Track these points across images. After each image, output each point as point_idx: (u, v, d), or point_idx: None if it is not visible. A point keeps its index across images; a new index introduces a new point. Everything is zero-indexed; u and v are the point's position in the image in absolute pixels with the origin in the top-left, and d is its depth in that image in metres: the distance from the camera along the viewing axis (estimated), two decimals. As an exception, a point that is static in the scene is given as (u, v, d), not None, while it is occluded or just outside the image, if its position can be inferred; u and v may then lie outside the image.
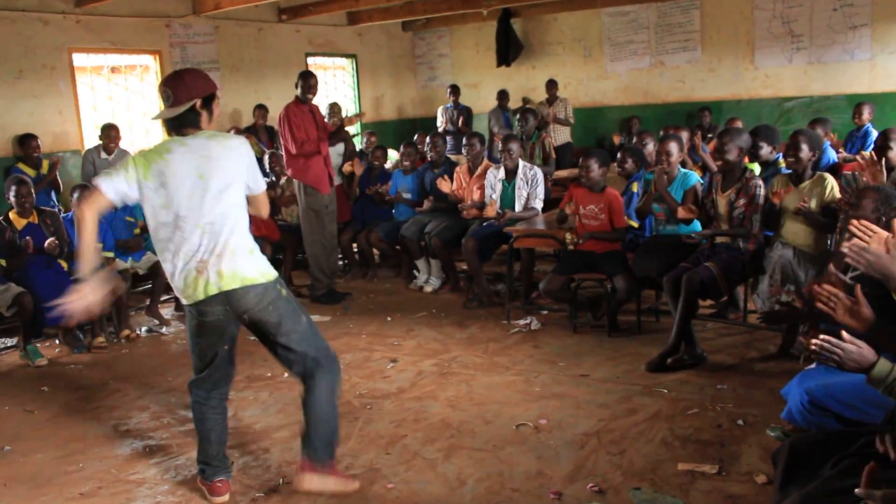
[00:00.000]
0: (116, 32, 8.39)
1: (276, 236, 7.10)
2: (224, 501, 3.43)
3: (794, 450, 2.54)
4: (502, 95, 10.73)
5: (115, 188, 3.08)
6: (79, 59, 8.21)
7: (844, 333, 2.23)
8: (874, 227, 2.57)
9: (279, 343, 3.30)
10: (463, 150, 7.12)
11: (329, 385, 3.37)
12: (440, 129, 10.55)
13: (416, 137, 8.46)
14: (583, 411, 4.13)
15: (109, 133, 7.54)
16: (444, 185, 6.75)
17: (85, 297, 3.02)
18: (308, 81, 6.48)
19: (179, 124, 3.20)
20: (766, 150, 5.32)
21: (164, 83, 3.22)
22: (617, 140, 10.12)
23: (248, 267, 3.18)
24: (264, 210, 3.46)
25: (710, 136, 8.78)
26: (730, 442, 3.68)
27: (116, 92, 8.78)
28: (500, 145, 6.45)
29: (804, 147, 4.63)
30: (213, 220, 3.12)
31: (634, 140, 10.18)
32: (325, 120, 6.96)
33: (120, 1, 8.02)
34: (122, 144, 7.75)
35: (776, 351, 4.74)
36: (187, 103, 3.15)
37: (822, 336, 2.23)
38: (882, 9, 9.28)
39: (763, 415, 3.91)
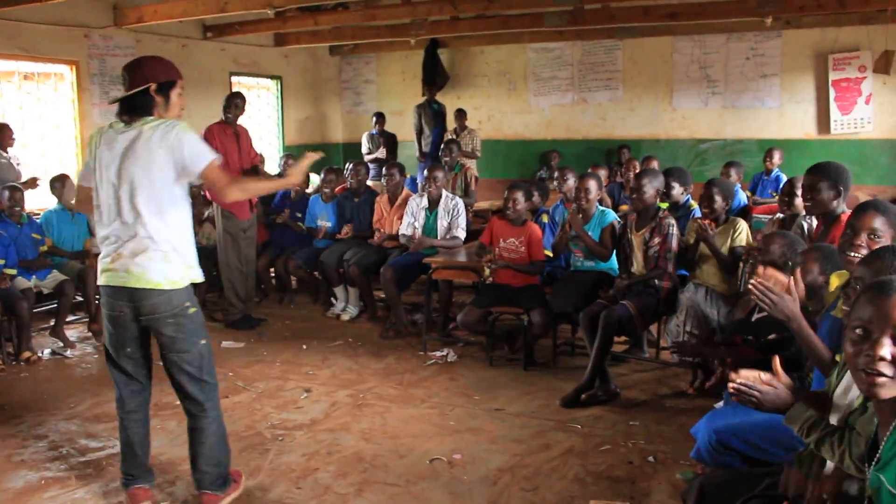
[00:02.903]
0: (30, 39, 8.07)
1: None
2: None
3: (703, 489, 2.59)
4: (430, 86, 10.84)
5: (84, 176, 3.29)
6: (-11, 65, 7.87)
7: (761, 375, 2.29)
8: (777, 274, 2.71)
9: (171, 360, 3.29)
10: (382, 181, 7.09)
11: (218, 414, 3.43)
12: (365, 155, 10.53)
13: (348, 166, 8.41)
14: (497, 446, 4.13)
15: (2, 133, 7.19)
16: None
17: None
18: (232, 101, 6.37)
19: (132, 109, 3.18)
20: (677, 190, 5.50)
21: (123, 68, 3.23)
22: (538, 174, 10.30)
23: (157, 271, 3.14)
24: (219, 184, 3.24)
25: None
26: (641, 478, 3.73)
27: (27, 100, 8.44)
28: (426, 173, 6.44)
29: (717, 199, 4.86)
30: (128, 217, 3.13)
31: (556, 174, 10.38)
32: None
33: (36, 7, 7.72)
34: (34, 155, 7.44)
35: (689, 389, 4.83)
36: (140, 86, 3.14)
37: (740, 379, 2.28)
38: (790, 60, 9.73)
39: (673, 451, 3.99)
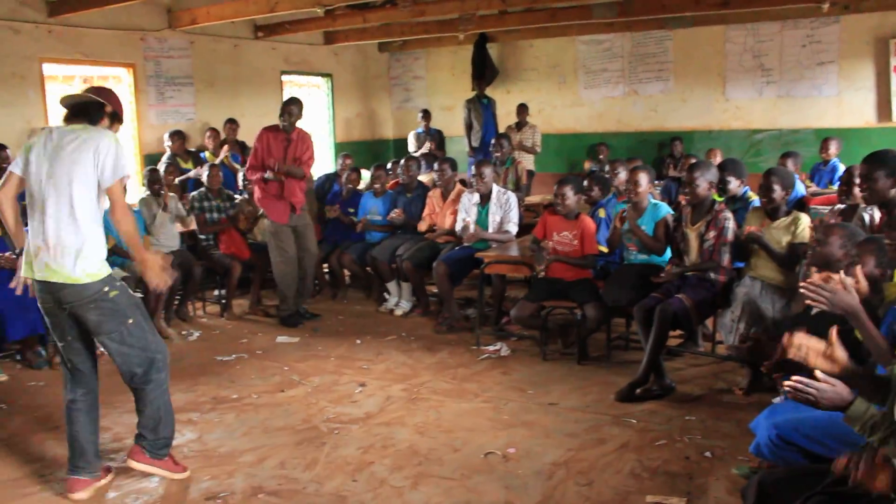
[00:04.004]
0: (90, 44, 8.29)
1: (245, 255, 7.05)
2: (81, 499, 3.58)
3: (762, 486, 2.55)
4: (480, 81, 10.83)
5: (16, 166, 3.49)
6: (50, 68, 8.10)
7: (818, 373, 2.24)
8: (823, 285, 2.62)
9: (103, 343, 3.50)
10: (434, 176, 7.11)
11: (156, 388, 3.62)
12: (412, 151, 10.59)
13: (394, 163, 8.45)
14: (551, 440, 4.12)
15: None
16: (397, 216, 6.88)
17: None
18: (285, 109, 6.35)
19: (79, 112, 3.50)
20: (734, 184, 5.38)
21: (89, 90, 3.60)
22: (587, 167, 10.21)
23: (73, 268, 3.36)
24: (117, 202, 3.45)
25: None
26: (698, 474, 3.68)
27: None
28: (474, 170, 6.45)
29: (776, 188, 4.69)
30: (51, 212, 3.36)
31: (608, 168, 10.30)
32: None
33: (94, 13, 7.93)
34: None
35: (746, 386, 4.75)
36: (99, 99, 3.53)
37: (795, 377, 2.24)
38: (849, 46, 9.48)
39: (731, 447, 3.93)
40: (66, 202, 3.36)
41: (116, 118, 3.65)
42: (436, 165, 7.04)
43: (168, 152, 8.47)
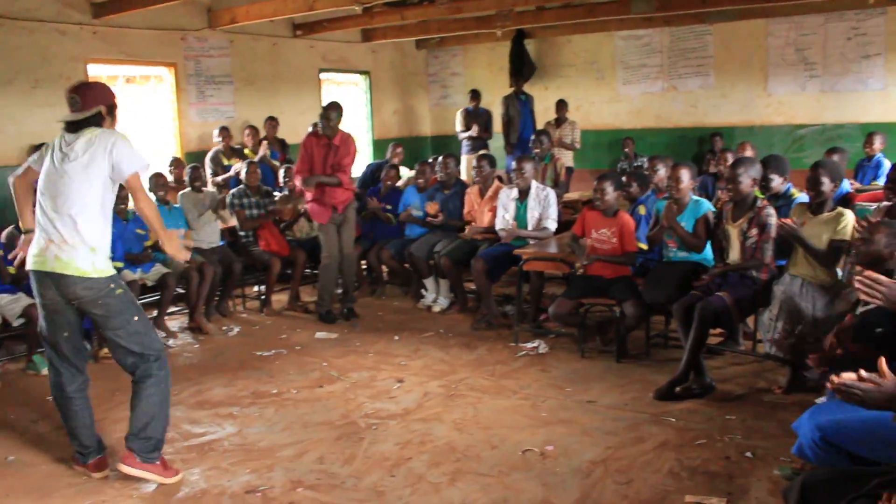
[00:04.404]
0: (132, 44, 8.44)
1: (284, 252, 7.12)
2: (105, 475, 3.79)
3: (805, 488, 2.50)
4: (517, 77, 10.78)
5: (33, 161, 3.73)
6: (94, 69, 8.26)
7: (862, 372, 2.20)
8: (880, 277, 2.56)
9: (108, 338, 3.70)
10: (472, 173, 7.10)
11: (155, 385, 3.72)
12: (459, 133, 10.62)
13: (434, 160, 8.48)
14: (590, 438, 4.11)
15: None
16: (431, 207, 6.91)
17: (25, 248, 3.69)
18: (322, 115, 6.35)
19: (79, 126, 3.62)
20: (777, 181, 5.29)
21: (72, 90, 3.68)
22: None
23: (84, 261, 3.54)
24: (137, 193, 3.66)
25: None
26: (738, 475, 3.64)
27: (129, 102, 8.82)
28: (514, 165, 6.44)
29: (825, 180, 4.52)
30: (62, 210, 3.53)
31: (637, 162, 10.22)
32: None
33: (137, 13, 8.06)
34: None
35: (785, 385, 4.68)
36: (93, 109, 3.63)
37: (842, 376, 2.20)
38: (895, 39, 9.29)
39: (773, 448, 3.87)
40: (78, 201, 3.53)
41: (112, 108, 3.75)
42: (474, 162, 7.00)
43: (217, 147, 8.58)
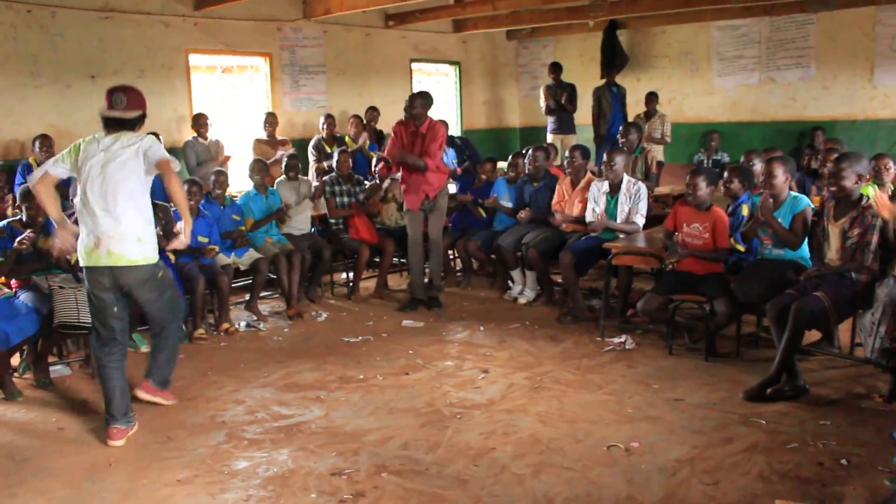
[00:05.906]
0: (231, 35, 8.69)
1: (374, 240, 7.22)
2: (118, 444, 4.12)
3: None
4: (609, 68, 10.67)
5: (58, 170, 4.12)
6: (194, 59, 8.55)
7: None
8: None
9: (144, 308, 4.35)
10: (564, 164, 7.03)
11: (171, 340, 4.50)
12: (543, 108, 10.56)
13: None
14: (676, 436, 4.04)
15: (199, 121, 7.95)
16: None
17: (62, 237, 4.09)
18: (407, 103, 6.48)
19: (120, 125, 4.10)
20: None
21: (117, 90, 4.15)
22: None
23: (134, 251, 4.05)
24: (167, 175, 4.02)
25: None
26: (832, 482, 3.52)
27: (227, 91, 9.09)
28: (605, 157, 6.35)
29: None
30: (108, 207, 3.99)
31: (717, 156, 9.92)
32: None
33: (235, 5, 8.30)
34: (230, 138, 8.13)
35: (887, 393, 4.46)
36: (139, 111, 4.17)
37: None
38: None
39: (870, 456, 3.72)
40: (123, 199, 4.01)
41: (144, 118, 4.24)
42: (566, 153, 6.93)
43: (320, 135, 8.76)
